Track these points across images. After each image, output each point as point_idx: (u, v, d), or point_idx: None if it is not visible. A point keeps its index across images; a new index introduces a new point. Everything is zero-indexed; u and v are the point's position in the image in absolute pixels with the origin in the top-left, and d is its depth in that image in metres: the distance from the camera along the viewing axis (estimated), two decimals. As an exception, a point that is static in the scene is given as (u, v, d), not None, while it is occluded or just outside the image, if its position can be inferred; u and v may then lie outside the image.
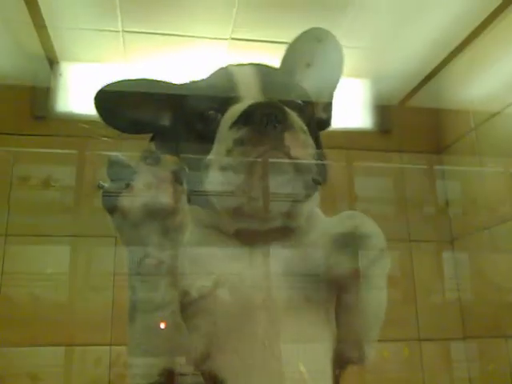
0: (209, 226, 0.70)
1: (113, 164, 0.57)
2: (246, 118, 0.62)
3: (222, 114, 0.66)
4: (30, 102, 1.85)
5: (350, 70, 1.86)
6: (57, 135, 1.78)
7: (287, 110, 0.63)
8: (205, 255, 0.68)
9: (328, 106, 0.77)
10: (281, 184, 0.63)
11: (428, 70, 1.91)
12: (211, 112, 0.66)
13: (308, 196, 0.67)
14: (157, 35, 1.67)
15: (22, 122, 1.83)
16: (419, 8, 1.61)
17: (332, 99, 0.78)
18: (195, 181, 0.65)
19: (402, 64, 1.86)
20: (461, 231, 2.00)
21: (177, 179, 0.58)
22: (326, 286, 0.67)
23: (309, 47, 0.75)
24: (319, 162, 0.64)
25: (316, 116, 0.74)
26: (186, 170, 0.59)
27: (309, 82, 0.74)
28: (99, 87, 0.70)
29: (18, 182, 1.80)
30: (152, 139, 0.74)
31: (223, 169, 0.62)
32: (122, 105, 0.72)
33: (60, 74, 1.85)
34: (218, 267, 0.66)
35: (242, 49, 1.72)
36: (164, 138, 0.73)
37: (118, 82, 0.72)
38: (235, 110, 0.64)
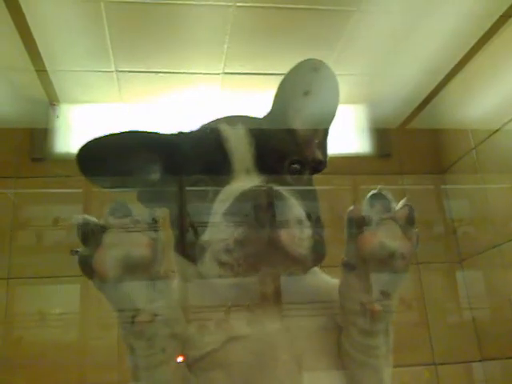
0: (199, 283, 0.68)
1: (81, 227, 0.54)
2: (240, 207, 0.59)
3: (215, 192, 0.63)
4: (29, 144, 1.86)
5: (347, 96, 1.88)
6: (55, 176, 1.78)
7: (282, 195, 0.61)
8: (211, 304, 0.66)
9: (323, 145, 0.76)
10: (276, 276, 0.63)
11: (425, 93, 1.91)
12: (202, 186, 0.64)
13: (305, 272, 0.65)
14: (150, 73, 1.68)
15: (21, 165, 1.83)
16: (413, 31, 1.62)
17: (328, 135, 0.76)
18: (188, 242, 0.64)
19: (399, 89, 1.87)
20: (469, 250, 1.96)
21: (151, 227, 0.55)
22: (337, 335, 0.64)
23: (305, 76, 0.72)
24: (316, 244, 0.61)
25: (312, 160, 0.73)
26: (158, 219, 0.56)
27: (307, 111, 0.73)
28: (81, 145, 0.68)
29: (23, 224, 1.80)
30: (139, 195, 0.71)
31: (220, 262, 0.59)
32: (106, 161, 0.69)
33: (57, 116, 1.87)
34: (226, 317, 0.64)
35: (235, 82, 1.73)
36: (152, 192, 0.70)
37: (101, 137, 0.69)
38: (229, 194, 0.61)
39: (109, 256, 0.53)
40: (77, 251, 0.54)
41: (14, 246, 1.77)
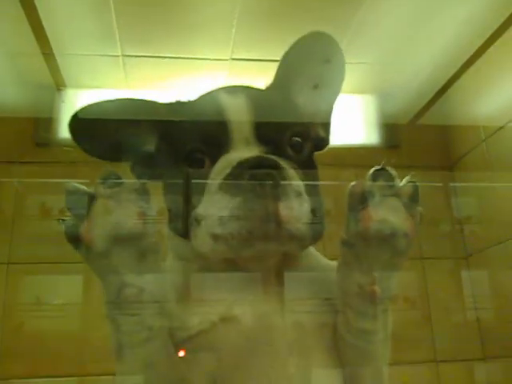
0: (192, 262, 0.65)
1: (70, 194, 0.52)
2: (237, 177, 0.57)
3: (211, 161, 0.61)
4: (32, 129, 1.85)
5: (356, 85, 1.86)
6: (59, 162, 1.76)
7: (282, 166, 0.59)
8: (204, 283, 0.64)
9: (327, 125, 0.73)
10: (273, 251, 0.60)
11: (438, 86, 1.88)
12: (199, 155, 0.61)
13: (302, 250, 0.63)
14: (157, 58, 1.66)
15: (24, 150, 1.82)
16: (428, 20, 1.59)
17: (331, 112, 0.73)
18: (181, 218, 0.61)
19: (411, 80, 1.84)
20: (475, 247, 1.94)
21: (142, 199, 0.53)
22: (333, 323, 0.62)
23: (316, 68, 0.70)
24: (314, 220, 0.58)
25: (315, 136, 0.70)
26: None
27: (314, 103, 0.71)
28: (74, 111, 0.65)
29: (33, 211, 1.79)
30: (133, 167, 0.68)
31: (214, 235, 0.57)
32: (100, 130, 0.66)
33: (62, 101, 1.85)
34: (218, 297, 0.62)
35: (243, 69, 1.70)
36: (147, 164, 0.67)
37: (95, 104, 0.66)
38: (226, 163, 0.59)
39: (97, 226, 0.51)
40: (64, 219, 0.52)
41: (15, 231, 1.76)
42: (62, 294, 1.71)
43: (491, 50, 1.69)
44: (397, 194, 0.55)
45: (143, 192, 0.54)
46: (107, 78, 1.75)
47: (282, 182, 0.57)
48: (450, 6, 1.53)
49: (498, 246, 1.81)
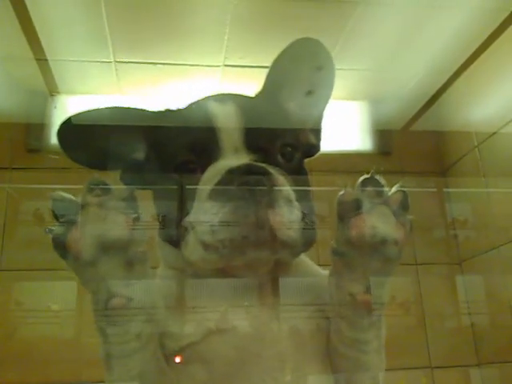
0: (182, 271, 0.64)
1: (56, 203, 0.52)
2: (227, 184, 0.56)
3: (201, 169, 0.60)
4: (24, 135, 1.84)
5: (348, 92, 1.87)
6: (51, 168, 1.75)
7: (272, 173, 0.58)
8: (194, 293, 0.63)
9: (318, 131, 0.73)
10: (264, 258, 0.59)
11: (430, 93, 1.89)
12: (190, 165, 0.61)
13: (294, 257, 0.63)
14: (149, 64, 1.65)
15: (16, 156, 1.81)
16: (420, 27, 1.60)
17: (322, 119, 0.73)
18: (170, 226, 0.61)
19: (403, 87, 1.85)
20: (469, 252, 1.94)
21: (130, 207, 0.52)
22: (325, 331, 0.61)
23: (307, 74, 0.70)
24: (306, 227, 0.58)
25: (305, 143, 0.70)
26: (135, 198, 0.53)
27: (305, 110, 0.70)
28: (63, 119, 0.64)
29: (24, 217, 1.77)
30: (122, 175, 0.68)
31: (204, 244, 0.56)
32: (88, 138, 0.66)
33: (55, 107, 1.84)
34: (209, 308, 0.61)
35: (235, 75, 1.70)
36: (136, 172, 0.67)
37: (84, 112, 0.66)
38: (216, 172, 0.59)
39: (83, 235, 0.50)
40: (51, 229, 0.51)
41: (6, 237, 1.74)
42: (55, 300, 1.70)
43: (483, 56, 1.70)
44: (386, 202, 0.55)
45: (131, 200, 0.53)
46: (99, 84, 1.75)
47: (272, 189, 0.56)
48: (442, 14, 1.54)
49: (492, 252, 1.81)
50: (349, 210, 0.55)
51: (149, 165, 0.67)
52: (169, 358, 0.59)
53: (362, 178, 0.56)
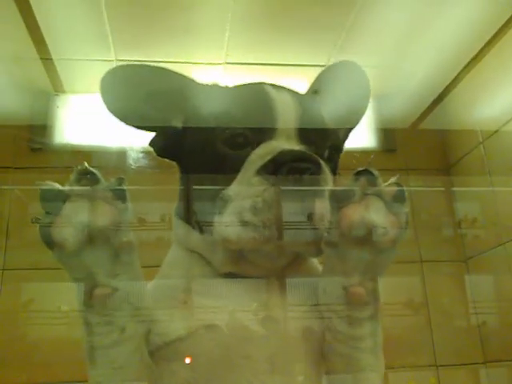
0: (194, 252, 0.63)
1: (44, 193, 0.51)
2: (277, 167, 0.56)
3: (252, 146, 0.59)
4: (28, 135, 1.84)
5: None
6: (55, 167, 1.76)
7: (323, 166, 0.58)
8: (185, 287, 0.61)
9: (348, 133, 0.74)
10: (293, 250, 0.59)
11: (436, 92, 1.88)
12: (240, 139, 0.60)
13: (318, 255, 0.62)
14: (150, 63, 1.65)
15: (19, 155, 1.82)
16: (425, 22, 1.58)
17: (348, 137, 0.75)
18: (198, 200, 0.60)
19: (408, 84, 1.83)
20: (475, 249, 1.93)
21: (117, 197, 0.52)
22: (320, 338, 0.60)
23: (345, 95, 0.73)
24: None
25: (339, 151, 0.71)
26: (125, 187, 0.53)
27: (337, 111, 0.71)
28: (108, 70, 0.64)
29: (28, 216, 1.77)
30: (154, 139, 0.66)
31: (243, 221, 0.55)
32: (130, 93, 0.65)
33: (57, 106, 1.84)
34: (199, 303, 0.60)
35: (237, 72, 1.70)
36: (169, 141, 0.65)
37: (132, 65, 0.66)
38: (267, 150, 0.58)
39: (68, 225, 0.50)
40: (38, 218, 0.51)
41: (10, 237, 1.75)
42: (59, 300, 1.70)
43: (489, 55, 1.68)
44: (378, 193, 0.54)
45: (120, 191, 0.52)
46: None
47: (321, 181, 0.57)
48: (448, 11, 1.52)
49: (497, 249, 1.79)
50: (341, 201, 0.54)
51: (184, 134, 0.65)
52: (153, 353, 0.58)
53: (356, 171, 0.56)
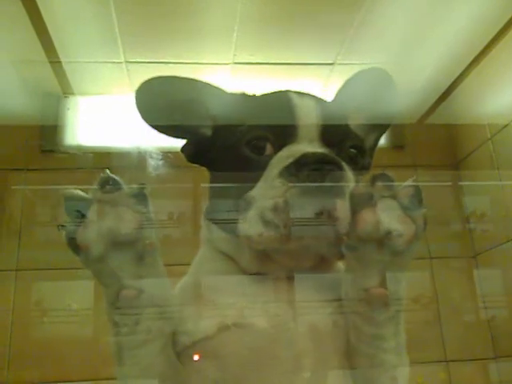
0: (223, 252, 0.65)
1: (68, 200, 0.53)
2: (299, 169, 0.58)
3: (275, 149, 0.62)
4: (39, 137, 1.86)
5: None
6: (65, 168, 1.77)
7: (345, 168, 0.60)
8: (213, 286, 0.63)
9: (373, 151, 0.75)
10: (315, 251, 0.61)
11: (443, 87, 1.87)
12: (264, 142, 0.62)
13: (340, 257, 0.63)
14: (159, 64, 1.66)
15: (31, 157, 1.83)
16: (432, 19, 1.58)
17: (378, 143, 0.77)
18: (226, 202, 0.62)
19: (416, 80, 1.82)
20: (484, 245, 1.92)
21: (140, 203, 0.53)
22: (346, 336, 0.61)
23: (372, 102, 0.74)
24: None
25: (365, 156, 0.72)
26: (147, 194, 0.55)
27: (366, 119, 0.73)
28: (144, 80, 0.67)
29: (40, 217, 1.80)
30: (185, 146, 0.70)
31: (265, 221, 0.57)
32: (165, 103, 0.68)
33: (68, 108, 1.86)
34: (227, 302, 0.61)
35: (245, 72, 1.70)
36: (199, 148, 0.69)
37: (165, 77, 0.69)
38: (290, 153, 0.60)
39: (93, 231, 0.52)
40: (64, 225, 0.53)
41: (23, 238, 1.77)
42: (72, 299, 1.72)
43: (496, 49, 1.68)
44: (393, 196, 0.55)
45: (141, 196, 0.54)
46: (111, 85, 1.76)
47: (343, 183, 0.58)
48: (455, 6, 1.52)
49: (506, 244, 1.79)
50: (358, 204, 0.56)
51: (213, 141, 0.68)
52: (180, 354, 0.59)
53: (372, 174, 0.57)
